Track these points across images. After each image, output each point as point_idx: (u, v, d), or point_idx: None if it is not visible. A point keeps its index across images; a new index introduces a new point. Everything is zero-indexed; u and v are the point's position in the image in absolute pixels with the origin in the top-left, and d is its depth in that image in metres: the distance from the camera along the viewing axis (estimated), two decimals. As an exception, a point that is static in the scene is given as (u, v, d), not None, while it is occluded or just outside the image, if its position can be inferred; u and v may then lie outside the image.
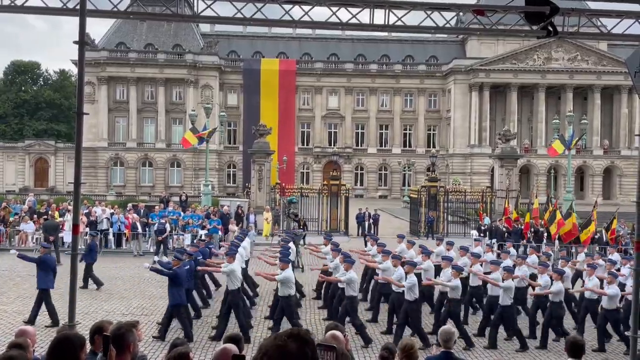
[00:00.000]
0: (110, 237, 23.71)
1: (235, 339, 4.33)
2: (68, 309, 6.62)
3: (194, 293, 13.45)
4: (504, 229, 24.22)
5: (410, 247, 15.72)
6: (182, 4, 8.35)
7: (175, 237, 23.77)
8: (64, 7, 7.70)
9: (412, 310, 11.50)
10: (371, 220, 30.38)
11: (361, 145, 64.06)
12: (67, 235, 21.89)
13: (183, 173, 58.70)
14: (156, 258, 12.66)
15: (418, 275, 12.60)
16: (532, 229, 23.72)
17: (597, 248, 22.66)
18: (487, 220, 27.56)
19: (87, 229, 23.57)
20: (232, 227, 24.81)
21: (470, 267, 13.71)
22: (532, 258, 15.32)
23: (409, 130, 64.39)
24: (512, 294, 11.96)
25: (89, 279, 16.37)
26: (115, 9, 8.05)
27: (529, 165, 58.77)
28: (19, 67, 74.16)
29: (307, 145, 63.58)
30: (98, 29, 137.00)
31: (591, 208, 24.23)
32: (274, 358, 2.16)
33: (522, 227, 24.02)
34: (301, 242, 24.73)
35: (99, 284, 16.34)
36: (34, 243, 23.33)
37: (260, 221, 27.85)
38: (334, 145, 63.38)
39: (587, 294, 12.57)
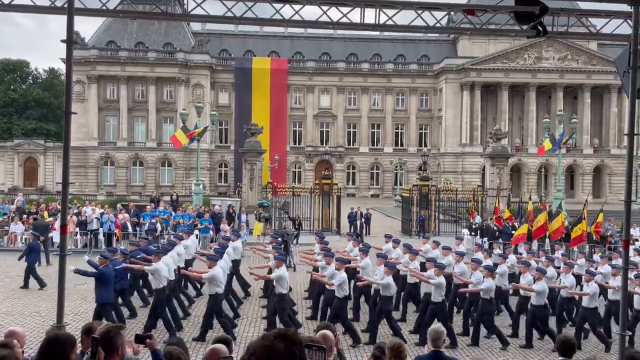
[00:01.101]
0: (101, 237, 23.55)
1: (225, 341, 4.32)
2: (57, 310, 6.56)
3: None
4: (495, 228, 24.33)
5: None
6: (172, 2, 8.29)
7: (166, 236, 23.65)
8: (52, 5, 7.63)
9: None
10: (363, 220, 30.42)
11: (353, 145, 64.12)
12: (56, 235, 21.71)
13: (174, 172, 58.45)
14: (86, 257, 12.62)
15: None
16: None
17: (587, 247, 22.87)
18: (478, 219, 27.68)
19: (77, 229, 23.45)
20: (224, 226, 24.71)
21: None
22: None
23: (401, 129, 64.53)
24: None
25: (30, 278, 16.07)
26: (104, 8, 7.98)
27: (519, 164, 59.11)
28: (7, 65, 73.47)
29: (299, 144, 63.54)
30: (88, 27, 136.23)
31: (581, 207, 24.39)
32: (261, 358, 2.15)
33: (511, 225, 24.09)
34: (294, 241, 24.76)
35: (42, 284, 15.99)
36: (22, 243, 23.14)
37: (252, 220, 27.80)
38: (325, 145, 63.38)
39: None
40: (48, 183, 57.37)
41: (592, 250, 23.24)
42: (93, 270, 11.52)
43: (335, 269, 12.17)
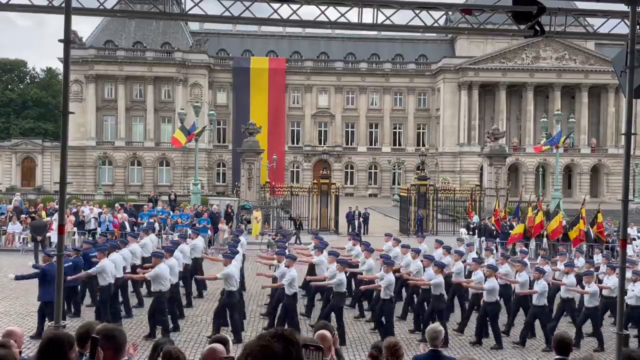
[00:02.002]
0: (98, 236, 23.48)
1: (222, 341, 4.32)
2: (55, 310, 6.56)
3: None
4: (493, 228, 24.35)
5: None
6: (170, 2, 8.28)
7: (164, 236, 23.63)
8: (50, 4, 7.61)
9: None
10: (361, 219, 30.44)
11: (351, 144, 64.14)
12: (54, 235, 21.67)
13: (172, 172, 58.40)
14: (30, 263, 12.69)
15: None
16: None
17: (585, 246, 22.89)
18: (476, 219, 27.70)
19: (75, 229, 23.41)
20: (222, 226, 24.75)
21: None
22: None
23: (399, 128, 64.58)
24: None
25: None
26: (101, 7, 7.97)
27: (517, 163, 59.19)
28: (5, 65, 73.36)
29: (297, 143, 63.54)
30: (85, 26, 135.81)
31: (579, 206, 24.44)
32: (258, 358, 2.15)
33: (508, 225, 24.10)
34: (296, 241, 24.81)
35: None
36: (20, 243, 23.11)
37: (250, 220, 27.77)
38: (324, 144, 63.39)
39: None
40: (46, 183, 57.29)
41: (591, 249, 23.30)
42: (35, 271, 11.58)
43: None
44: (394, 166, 61.48)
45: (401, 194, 35.60)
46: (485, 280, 12.08)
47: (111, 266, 11.94)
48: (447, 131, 61.19)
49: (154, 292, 11.71)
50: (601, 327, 12.25)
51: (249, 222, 24.71)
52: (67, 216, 21.92)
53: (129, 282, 14.37)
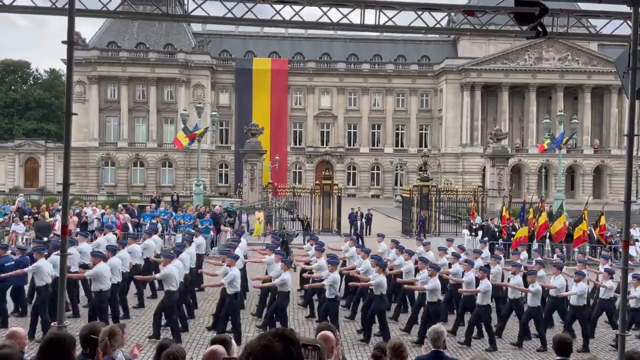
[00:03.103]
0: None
1: (224, 341, 4.32)
2: (57, 310, 6.57)
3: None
4: (496, 230, 24.26)
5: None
6: (172, 3, 8.32)
7: (167, 237, 23.67)
8: (53, 6, 7.64)
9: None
10: (363, 220, 30.41)
11: (353, 145, 64.13)
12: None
13: (175, 173, 58.48)
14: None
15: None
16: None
17: (588, 248, 22.87)
18: (478, 220, 27.62)
19: (78, 230, 23.45)
20: (224, 227, 24.76)
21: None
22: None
23: (401, 129, 64.55)
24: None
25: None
26: (104, 9, 8.00)
27: (520, 164, 59.10)
28: (8, 66, 73.57)
29: (300, 144, 63.56)
30: (88, 28, 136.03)
31: (582, 207, 24.41)
32: (259, 358, 2.16)
33: (512, 226, 24.01)
34: (295, 241, 24.75)
35: None
36: (23, 243, 23.15)
37: (252, 221, 27.81)
38: (326, 145, 63.39)
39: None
40: (49, 183, 57.41)
41: (594, 251, 23.26)
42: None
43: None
44: (397, 167, 61.46)
45: (403, 195, 35.57)
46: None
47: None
48: (450, 132, 61.15)
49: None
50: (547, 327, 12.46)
51: (231, 224, 24.60)
52: (70, 217, 21.97)
53: (131, 283, 14.42)
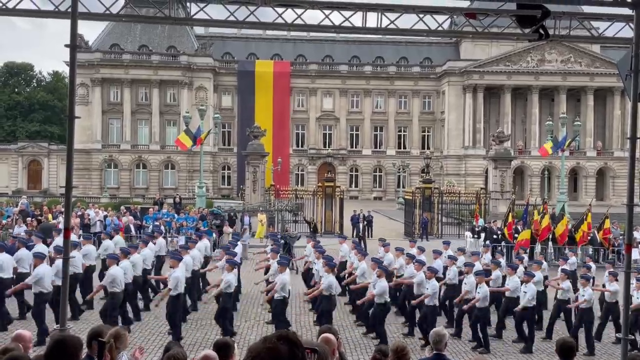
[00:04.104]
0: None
1: (225, 344, 4.33)
2: (60, 313, 6.59)
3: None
4: (498, 232, 24.15)
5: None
6: (175, 6, 8.34)
7: (169, 239, 23.69)
8: (56, 9, 7.67)
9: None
10: (366, 222, 30.39)
11: (356, 147, 64.14)
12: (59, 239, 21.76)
13: (177, 175, 58.56)
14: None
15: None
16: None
17: (591, 250, 22.81)
18: (481, 222, 27.56)
19: (80, 232, 23.48)
20: (227, 229, 24.76)
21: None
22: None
23: (404, 131, 64.53)
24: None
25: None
26: (107, 12, 8.03)
27: (522, 166, 59.01)
28: (11, 68, 73.81)
29: (302, 146, 63.59)
30: (91, 30, 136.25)
31: (584, 209, 24.35)
32: None
33: (514, 229, 23.90)
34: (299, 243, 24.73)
35: None
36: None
37: (255, 223, 27.82)
38: (328, 147, 63.42)
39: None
40: (52, 185, 57.54)
41: (597, 253, 23.20)
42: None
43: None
44: (399, 169, 61.42)
45: (406, 197, 35.54)
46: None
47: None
48: (452, 134, 61.10)
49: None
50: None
51: (218, 226, 24.57)
52: (72, 219, 21.98)
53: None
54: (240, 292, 15.49)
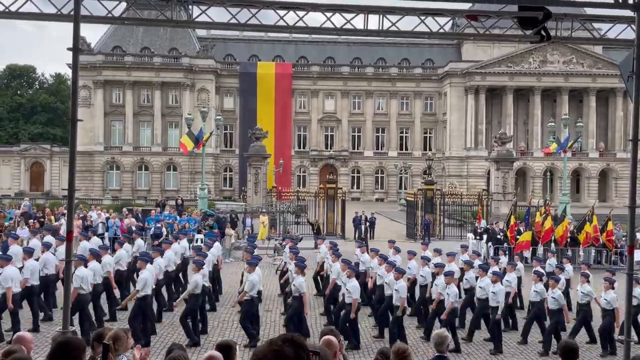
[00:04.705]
0: (106, 241, 23.58)
1: (228, 346, 4.33)
2: (62, 315, 6.61)
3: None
4: (500, 233, 24.13)
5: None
6: (177, 9, 8.36)
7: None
8: (59, 13, 7.70)
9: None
10: (368, 224, 30.38)
11: (357, 149, 64.14)
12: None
13: (179, 177, 58.63)
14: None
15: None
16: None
17: (594, 252, 22.79)
18: (483, 223, 27.51)
19: (84, 234, 23.50)
20: (229, 231, 24.78)
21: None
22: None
23: (405, 133, 64.51)
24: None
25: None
26: (109, 15, 8.06)
27: (525, 168, 58.94)
28: (14, 71, 74.02)
29: (304, 148, 63.62)
30: (93, 32, 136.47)
31: (587, 211, 24.30)
32: None
33: (517, 231, 23.84)
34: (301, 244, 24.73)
35: None
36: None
37: (257, 225, 27.82)
38: (330, 149, 63.43)
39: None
40: (54, 187, 57.65)
41: (599, 254, 23.16)
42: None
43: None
44: (401, 171, 61.38)
45: (408, 198, 35.52)
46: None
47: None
48: (454, 135, 61.06)
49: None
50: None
51: (211, 227, 24.56)
52: (75, 221, 22.02)
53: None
54: (220, 292, 15.55)
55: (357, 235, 29.03)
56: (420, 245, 17.48)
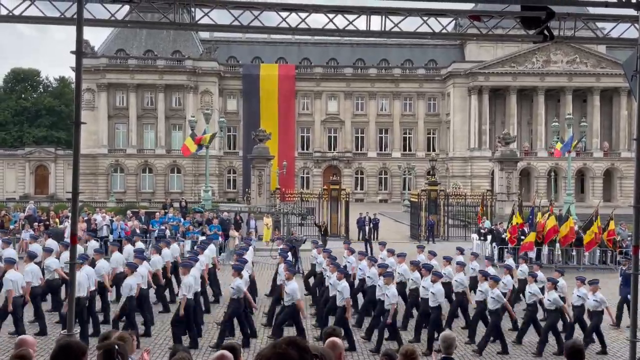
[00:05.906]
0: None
1: (232, 348, 4.34)
2: (67, 318, 6.63)
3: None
4: (504, 235, 24.04)
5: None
6: (180, 12, 8.38)
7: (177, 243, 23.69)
8: (62, 16, 7.73)
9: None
10: (371, 225, 30.33)
11: (361, 150, 64.11)
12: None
13: (183, 179, 58.74)
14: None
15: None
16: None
17: (598, 252, 22.70)
18: (487, 224, 27.45)
19: (89, 235, 23.55)
20: (233, 233, 24.80)
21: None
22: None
23: (409, 134, 64.45)
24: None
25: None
26: (113, 18, 8.09)
27: (529, 168, 58.79)
28: (18, 74, 74.36)
29: (307, 150, 63.63)
30: (97, 35, 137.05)
31: (592, 211, 24.21)
32: None
33: (521, 231, 23.76)
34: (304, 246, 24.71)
35: None
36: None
37: (261, 227, 27.84)
38: (333, 150, 63.43)
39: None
40: (59, 190, 57.85)
41: (604, 255, 23.06)
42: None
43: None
44: (404, 171, 61.32)
45: (412, 199, 35.47)
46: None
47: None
48: (458, 136, 60.97)
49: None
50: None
51: (200, 224, 24.49)
52: (80, 224, 22.06)
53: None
54: (220, 294, 15.55)
55: (360, 237, 28.99)
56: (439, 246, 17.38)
